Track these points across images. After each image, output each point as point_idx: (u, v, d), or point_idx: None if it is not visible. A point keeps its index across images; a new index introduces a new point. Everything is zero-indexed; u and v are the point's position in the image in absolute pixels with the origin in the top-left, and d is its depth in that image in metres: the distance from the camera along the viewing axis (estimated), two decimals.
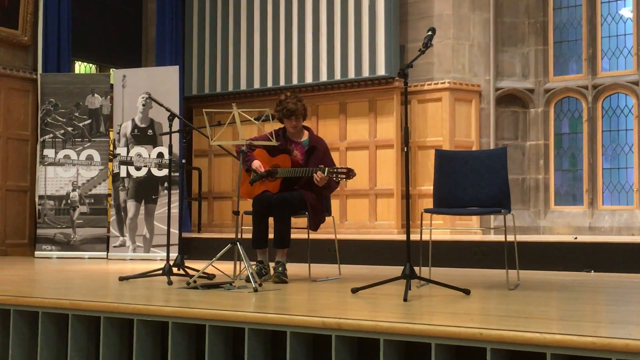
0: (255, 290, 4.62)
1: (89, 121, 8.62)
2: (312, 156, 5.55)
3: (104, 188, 8.55)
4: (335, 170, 5.30)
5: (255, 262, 5.49)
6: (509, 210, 5.03)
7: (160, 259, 7.72)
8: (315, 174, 5.34)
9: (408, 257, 4.39)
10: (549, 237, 8.03)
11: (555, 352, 2.89)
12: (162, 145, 8.31)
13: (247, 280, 4.93)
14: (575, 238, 7.02)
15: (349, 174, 5.27)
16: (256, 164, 5.55)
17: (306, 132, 5.75)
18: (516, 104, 9.03)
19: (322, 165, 5.37)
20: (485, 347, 3.01)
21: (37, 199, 8.58)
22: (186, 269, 5.62)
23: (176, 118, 5.75)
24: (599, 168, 8.56)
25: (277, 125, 5.67)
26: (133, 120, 8.47)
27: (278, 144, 5.50)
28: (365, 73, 8.91)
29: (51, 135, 8.59)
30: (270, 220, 5.52)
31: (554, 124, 8.89)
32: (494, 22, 8.95)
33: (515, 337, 2.96)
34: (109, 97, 8.67)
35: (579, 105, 8.76)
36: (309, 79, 9.29)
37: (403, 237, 6.54)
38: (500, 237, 6.24)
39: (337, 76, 9.10)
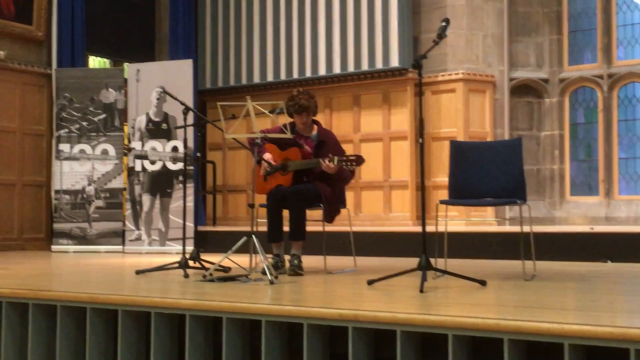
0: (271, 282, 4.63)
1: (103, 115, 8.65)
2: (321, 150, 5.56)
3: (119, 182, 8.59)
4: (344, 158, 5.30)
5: (271, 255, 5.50)
6: (525, 201, 5.01)
7: (176, 252, 7.75)
8: (322, 162, 5.33)
9: (424, 248, 4.39)
10: (565, 227, 8.00)
11: (573, 342, 2.89)
12: (176, 139, 8.33)
13: (263, 272, 4.94)
14: (592, 228, 6.99)
15: (358, 160, 5.27)
16: (267, 155, 5.55)
17: (315, 127, 5.75)
18: (531, 94, 8.98)
19: (332, 155, 5.37)
20: (502, 338, 3.01)
21: (53, 194, 8.64)
22: (202, 262, 5.64)
23: (190, 111, 5.76)
24: (615, 158, 8.51)
25: (290, 119, 5.68)
26: (147, 114, 8.50)
27: (293, 136, 5.50)
28: (379, 65, 8.89)
29: (66, 130, 8.64)
30: (285, 213, 5.53)
31: (569, 114, 8.85)
32: (508, 12, 8.90)
33: (532, 328, 2.96)
34: (123, 91, 8.70)
35: (594, 95, 8.71)
36: (322, 71, 9.29)
37: (418, 228, 6.53)
38: (516, 228, 6.22)
39: (351, 68, 9.09)
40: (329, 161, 5.32)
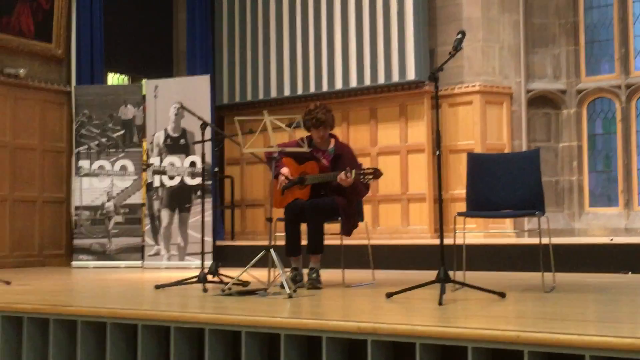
0: (290, 296, 4.63)
1: (122, 132, 8.71)
2: (338, 164, 5.55)
3: (138, 198, 8.63)
4: (362, 171, 5.30)
5: (289, 269, 5.50)
6: (543, 213, 4.98)
7: (195, 267, 7.77)
8: (339, 175, 5.33)
9: (442, 261, 4.38)
10: (584, 239, 7.94)
11: (594, 354, 2.86)
12: (194, 154, 8.37)
13: (282, 286, 4.94)
14: (612, 240, 6.94)
15: (376, 173, 5.27)
16: (285, 169, 5.57)
17: (332, 140, 5.75)
18: (548, 105, 8.95)
19: (349, 168, 5.37)
20: (523, 350, 2.99)
21: (72, 210, 8.70)
22: (221, 276, 5.65)
23: (208, 127, 5.79)
24: (634, 168, 8.45)
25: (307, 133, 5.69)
26: (165, 130, 8.54)
27: (310, 150, 5.51)
28: (395, 78, 8.90)
29: (86, 146, 8.70)
30: (303, 227, 5.53)
31: (587, 125, 8.81)
32: (524, 24, 8.89)
33: (552, 340, 2.94)
34: (141, 107, 8.75)
35: (612, 106, 8.67)
36: (338, 85, 9.31)
37: (436, 241, 6.51)
38: (535, 240, 6.18)
39: (367, 82, 9.10)
40: (346, 174, 5.32)
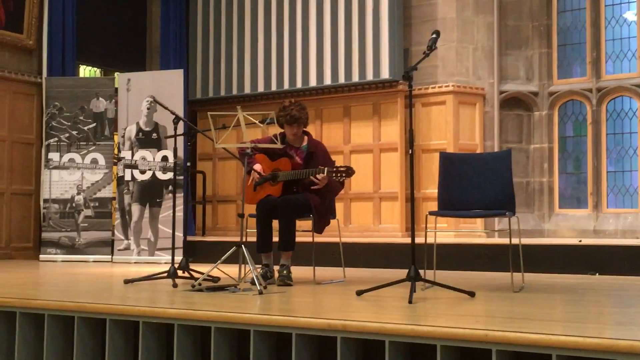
0: (260, 292, 4.63)
1: (93, 125, 8.64)
2: (311, 161, 5.57)
3: (108, 191, 8.57)
4: (334, 169, 5.31)
5: (260, 266, 5.50)
6: (514, 213, 5.03)
7: (165, 262, 7.74)
8: (313, 177, 5.35)
9: (413, 259, 4.40)
10: (553, 240, 8.02)
11: (560, 353, 2.90)
12: (166, 149, 8.33)
13: (252, 282, 4.94)
14: (580, 241, 7.02)
15: (348, 171, 5.28)
16: (257, 166, 5.57)
17: (305, 137, 5.76)
18: (520, 107, 9.03)
19: (322, 167, 5.38)
20: (491, 349, 3.02)
21: (42, 203, 8.61)
22: (191, 271, 5.62)
23: (181, 121, 5.76)
24: (604, 171, 8.55)
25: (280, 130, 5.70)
26: (138, 123, 8.49)
27: (283, 146, 5.51)
28: (369, 76, 8.91)
29: (56, 138, 8.62)
30: (275, 223, 5.53)
31: (558, 127, 8.89)
32: (498, 25, 8.96)
33: (520, 339, 2.97)
34: (113, 100, 8.69)
35: (583, 108, 8.76)
36: (313, 82, 9.31)
37: (407, 240, 6.54)
38: (505, 240, 6.24)
39: (341, 79, 9.11)
40: (318, 173, 5.32)
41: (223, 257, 5.05)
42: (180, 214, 8.03)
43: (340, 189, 5.67)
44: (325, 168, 5.32)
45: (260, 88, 9.68)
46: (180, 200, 8.06)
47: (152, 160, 8.40)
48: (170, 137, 5.92)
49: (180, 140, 7.45)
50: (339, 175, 5.28)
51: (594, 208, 8.53)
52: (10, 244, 8.65)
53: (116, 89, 8.77)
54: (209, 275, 5.23)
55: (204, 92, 10.12)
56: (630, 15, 8.60)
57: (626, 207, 8.44)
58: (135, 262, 8.24)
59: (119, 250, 8.42)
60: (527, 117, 9.03)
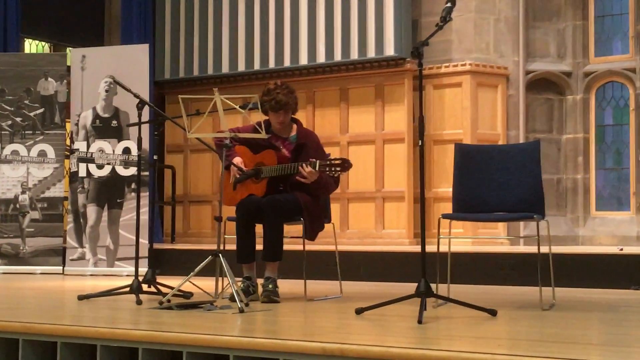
0: (241, 310, 4.63)
1: (41, 110, 8.62)
2: (301, 154, 5.56)
3: (59, 190, 8.55)
4: (327, 162, 5.30)
5: (241, 279, 5.50)
6: (543, 216, 5.04)
7: (127, 275, 7.73)
8: (301, 168, 5.34)
9: (423, 271, 4.40)
10: (589, 248, 8.05)
11: None
12: (129, 139, 8.31)
13: (232, 299, 4.94)
14: (621, 249, 7.04)
15: (344, 165, 5.27)
16: (238, 159, 5.55)
17: (294, 126, 5.76)
18: (550, 90, 9.05)
19: (314, 159, 5.36)
20: None
21: None
22: (158, 286, 5.62)
23: (146, 106, 5.75)
24: None
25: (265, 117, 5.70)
26: (94, 109, 8.47)
27: (268, 136, 5.51)
28: (371, 53, 8.92)
29: None
30: (258, 228, 5.53)
31: (595, 114, 8.92)
32: None
33: None
34: (65, 81, 8.67)
35: (624, 92, 8.79)
36: (303, 60, 9.30)
37: (416, 248, 6.55)
38: (532, 248, 6.25)
39: (338, 57, 9.11)
40: (308, 166, 5.32)
41: (197, 269, 5.05)
42: (145, 217, 8.01)
43: (334, 188, 5.67)
44: (317, 161, 5.31)
45: (241, 67, 9.67)
46: (145, 201, 8.05)
47: (111, 152, 8.39)
48: (134, 125, 5.91)
49: (146, 128, 7.43)
50: (333, 169, 5.28)
51: (638, 210, 8.56)
52: None
53: (68, 68, 8.75)
54: (179, 290, 5.22)
55: (174, 72, 10.10)
56: None
57: None
58: (91, 275, 8.23)
59: (71, 260, 8.41)
60: (558, 102, 9.05)
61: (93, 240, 8.37)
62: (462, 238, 8.00)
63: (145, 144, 7.98)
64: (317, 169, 5.30)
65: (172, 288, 5.33)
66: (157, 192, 9.81)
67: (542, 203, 5.09)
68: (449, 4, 4.73)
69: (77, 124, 8.52)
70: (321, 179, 5.41)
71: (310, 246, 5.75)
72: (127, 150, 8.35)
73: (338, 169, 5.28)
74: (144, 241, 7.83)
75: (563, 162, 8.97)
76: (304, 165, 5.34)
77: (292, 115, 5.73)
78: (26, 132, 8.61)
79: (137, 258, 5.77)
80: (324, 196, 5.72)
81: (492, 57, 8.91)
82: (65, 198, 8.66)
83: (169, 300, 4.99)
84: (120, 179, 8.38)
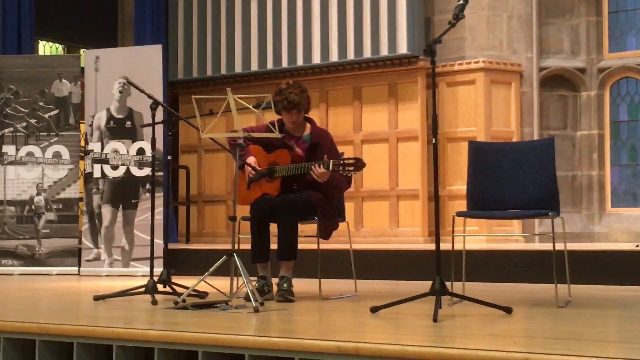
0: (256, 310, 4.63)
1: (55, 112, 8.65)
2: (315, 153, 5.56)
3: (74, 191, 8.58)
4: (341, 162, 5.29)
5: (255, 278, 5.51)
6: (558, 213, 5.03)
7: (142, 275, 7.75)
8: (313, 167, 5.34)
9: (438, 269, 4.40)
10: (605, 245, 8.01)
11: None
12: (143, 140, 8.32)
13: (246, 298, 4.94)
14: (637, 246, 7.01)
15: (358, 164, 5.26)
16: (251, 159, 5.56)
17: (308, 125, 5.76)
18: (564, 86, 9.02)
19: (327, 160, 5.35)
20: None
21: None
22: (173, 286, 5.63)
23: (160, 106, 5.77)
24: None
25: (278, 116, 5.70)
26: (108, 110, 8.49)
27: (282, 136, 5.51)
28: (384, 51, 8.91)
29: (11, 129, 8.63)
30: (273, 227, 5.53)
31: (610, 110, 8.88)
32: None
33: None
34: (79, 82, 8.70)
35: (639, 87, 8.75)
36: (316, 59, 9.30)
37: (430, 246, 6.54)
38: (548, 246, 6.23)
39: (351, 55, 9.11)
40: (320, 166, 5.31)
41: (211, 269, 5.06)
42: (159, 217, 8.03)
43: (347, 187, 5.65)
44: (330, 160, 5.30)
45: (254, 67, 9.68)
46: (159, 201, 8.06)
47: (125, 153, 8.41)
48: (147, 125, 5.92)
49: (160, 129, 7.46)
50: (346, 168, 5.27)
51: None
52: None
53: (82, 69, 8.78)
54: (194, 290, 5.23)
55: (187, 72, 10.12)
56: None
57: None
58: (106, 275, 8.25)
59: (87, 260, 8.43)
60: (572, 98, 9.02)
61: (108, 241, 8.40)
62: (477, 236, 7.98)
63: (159, 145, 8.02)
64: (330, 168, 5.30)
65: (187, 288, 5.34)
66: (172, 192, 9.83)
67: (557, 200, 5.08)
68: (461, 2, 4.72)
69: (91, 125, 8.54)
70: (333, 178, 5.41)
71: (325, 245, 5.75)
72: (141, 151, 8.37)
73: (351, 168, 5.27)
74: (159, 241, 7.85)
75: (578, 158, 8.94)
76: (316, 165, 5.34)
77: (306, 115, 5.73)
78: (41, 133, 8.64)
79: (152, 258, 5.78)
80: (336, 196, 5.71)
81: (506, 54, 8.89)
82: (81, 199, 8.69)
83: (184, 300, 4.99)
84: (134, 179, 8.40)
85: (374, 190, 9.02)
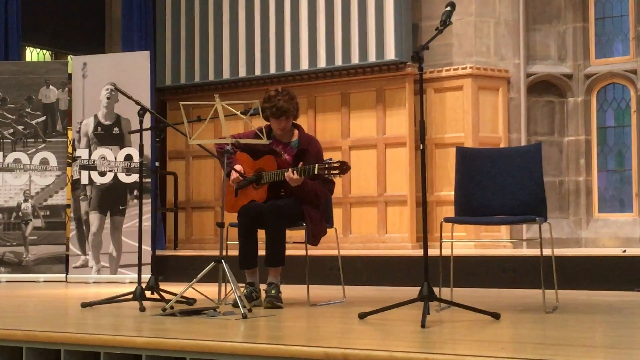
0: (244, 316, 4.63)
1: (43, 118, 8.62)
2: (303, 160, 5.55)
3: (61, 198, 8.55)
4: (326, 165, 5.29)
5: (244, 284, 5.50)
6: (545, 219, 5.04)
7: (130, 282, 7.73)
8: (286, 173, 5.34)
9: (425, 275, 4.40)
10: (592, 250, 8.04)
11: None
12: (130, 146, 8.31)
13: (235, 305, 4.94)
14: (624, 251, 7.03)
15: (342, 167, 5.27)
16: (239, 166, 5.56)
17: (296, 132, 5.76)
18: (551, 92, 9.05)
19: (306, 165, 5.35)
20: None
21: None
22: (161, 292, 5.63)
23: (147, 113, 5.76)
24: None
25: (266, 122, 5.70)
26: (96, 116, 8.48)
27: (270, 142, 5.51)
28: (372, 58, 8.92)
29: None
30: (260, 234, 5.53)
31: (596, 116, 8.91)
32: None
33: None
34: (66, 89, 8.68)
35: (626, 93, 8.78)
36: (304, 65, 9.31)
37: (418, 252, 6.54)
38: (535, 251, 6.25)
39: (338, 62, 9.12)
40: (294, 172, 5.31)
41: (199, 275, 5.05)
42: (147, 223, 8.02)
43: (326, 194, 5.63)
44: (316, 165, 5.29)
45: (242, 73, 9.67)
46: (147, 208, 8.05)
47: (113, 160, 8.39)
48: (135, 132, 5.91)
49: (147, 135, 7.45)
50: (330, 171, 5.27)
51: None
52: None
53: (70, 75, 8.76)
54: (182, 297, 5.22)
55: (175, 78, 10.11)
56: None
57: None
58: (94, 282, 8.23)
59: (74, 267, 8.41)
60: (559, 104, 9.05)
61: (96, 248, 8.38)
62: (465, 241, 7.99)
63: (147, 151, 8.01)
64: (305, 174, 5.29)
65: (175, 294, 5.33)
66: (160, 198, 9.82)
67: (545, 205, 5.09)
68: (448, 8, 4.74)
69: (78, 132, 8.52)
70: (306, 184, 5.41)
71: (313, 251, 5.76)
72: (129, 157, 8.35)
73: (336, 171, 5.28)
74: (147, 248, 7.83)
75: (565, 164, 8.96)
76: (290, 170, 5.35)
77: (294, 121, 5.73)
78: (28, 140, 8.61)
79: (140, 265, 5.78)
80: (316, 202, 5.63)
81: (493, 60, 8.92)
82: (68, 206, 8.67)
83: (172, 307, 4.99)
84: (122, 186, 8.38)
85: (362, 196, 9.02)
